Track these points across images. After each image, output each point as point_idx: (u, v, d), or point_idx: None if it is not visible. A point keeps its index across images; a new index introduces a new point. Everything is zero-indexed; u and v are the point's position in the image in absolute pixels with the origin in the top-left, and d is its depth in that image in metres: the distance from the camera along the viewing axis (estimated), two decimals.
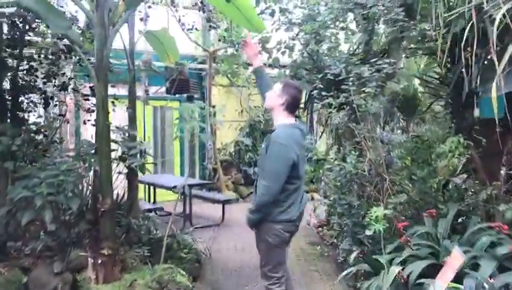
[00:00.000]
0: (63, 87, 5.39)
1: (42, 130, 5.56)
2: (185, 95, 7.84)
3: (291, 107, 3.25)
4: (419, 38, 5.82)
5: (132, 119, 5.74)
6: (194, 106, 4.67)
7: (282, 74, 6.82)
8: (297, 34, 7.26)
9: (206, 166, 11.29)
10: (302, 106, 7.41)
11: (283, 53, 7.15)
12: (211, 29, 6.15)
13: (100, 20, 4.23)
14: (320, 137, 8.71)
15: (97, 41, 4.28)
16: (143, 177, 7.53)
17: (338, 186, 5.23)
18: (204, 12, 5.64)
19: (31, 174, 4.67)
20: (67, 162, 4.92)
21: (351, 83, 5.14)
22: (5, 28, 4.80)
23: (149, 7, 7.17)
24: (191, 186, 8.13)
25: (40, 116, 6.05)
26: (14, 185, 4.67)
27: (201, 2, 5.12)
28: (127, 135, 5.37)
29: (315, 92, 5.37)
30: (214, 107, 10.92)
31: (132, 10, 5.16)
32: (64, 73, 5.44)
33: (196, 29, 7.00)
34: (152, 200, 9.54)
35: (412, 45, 6.41)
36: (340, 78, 5.39)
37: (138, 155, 4.97)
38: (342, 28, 6.71)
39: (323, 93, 5.10)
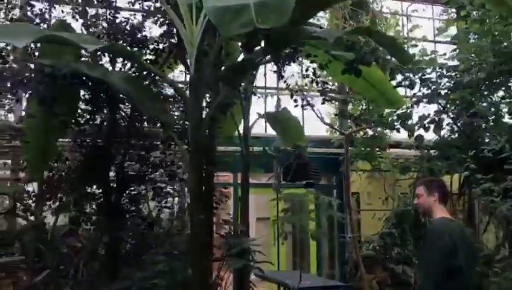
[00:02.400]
0: (172, 177, 5.03)
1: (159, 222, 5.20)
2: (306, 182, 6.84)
3: (444, 198, 3.10)
4: None
5: (245, 209, 5.06)
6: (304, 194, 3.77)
7: (425, 156, 5.57)
8: (443, 108, 6.04)
9: (346, 263, 9.93)
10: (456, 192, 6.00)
11: (427, 129, 5.93)
12: (324, 102, 5.42)
13: (193, 99, 3.75)
14: (485, 230, 6.92)
15: (191, 123, 3.78)
16: (268, 273, 6.67)
17: None
18: (320, 89, 4.95)
19: (126, 275, 4.21)
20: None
21: None
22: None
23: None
24: (326, 288, 6.93)
25: (158, 208, 5.71)
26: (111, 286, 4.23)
27: (317, 83, 4.40)
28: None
29: (466, 173, 4.05)
30: (354, 195, 9.79)
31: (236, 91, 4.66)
32: (173, 161, 5.10)
33: (310, 104, 6.27)
34: None
35: None
36: (503, 155, 4.01)
37: (243, 254, 4.17)
38: (503, 98, 5.32)
39: (478, 176, 3.78)
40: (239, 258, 4.05)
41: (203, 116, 3.82)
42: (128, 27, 5.22)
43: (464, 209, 6.70)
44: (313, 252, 10.30)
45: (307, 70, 4.63)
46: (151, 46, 5.19)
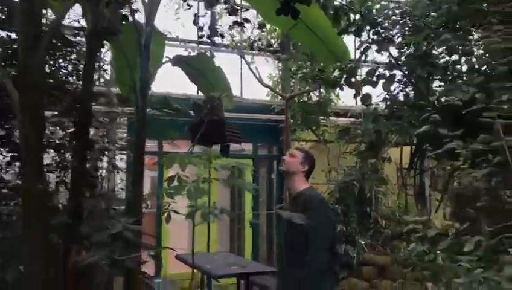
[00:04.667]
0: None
1: None
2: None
3: (308, 175, 3.11)
4: None
5: (136, 180, 3.78)
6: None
7: (371, 112, 4.50)
8: (395, 59, 4.98)
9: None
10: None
11: (375, 84, 4.87)
12: (233, 26, 4.13)
13: (26, 6, 2.40)
14: (436, 210, 6.00)
15: (21, 41, 2.46)
16: (184, 255, 5.52)
17: None
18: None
19: None
20: None
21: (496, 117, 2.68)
22: None
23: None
24: (251, 274, 5.83)
25: None
26: None
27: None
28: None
29: (425, 127, 2.97)
30: None
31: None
32: None
33: (218, 34, 4.99)
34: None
35: None
36: (474, 107, 2.94)
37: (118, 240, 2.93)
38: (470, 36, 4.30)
39: (441, 130, 2.70)
40: (104, 246, 2.81)
41: (42, 34, 2.49)
42: None
43: (414, 184, 5.77)
44: (249, 234, 9.21)
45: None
46: None
